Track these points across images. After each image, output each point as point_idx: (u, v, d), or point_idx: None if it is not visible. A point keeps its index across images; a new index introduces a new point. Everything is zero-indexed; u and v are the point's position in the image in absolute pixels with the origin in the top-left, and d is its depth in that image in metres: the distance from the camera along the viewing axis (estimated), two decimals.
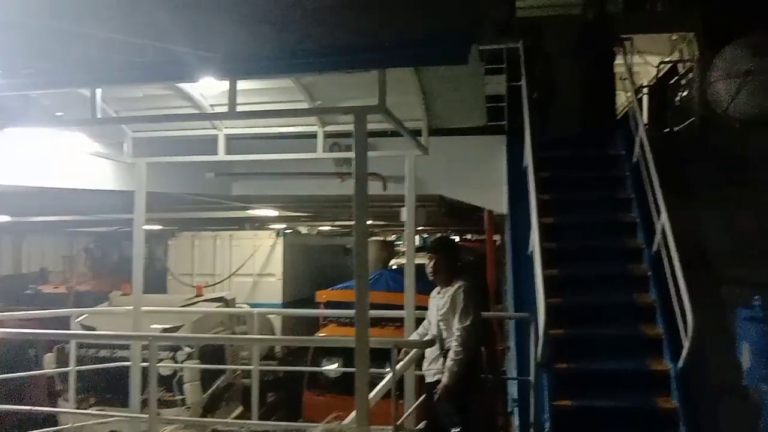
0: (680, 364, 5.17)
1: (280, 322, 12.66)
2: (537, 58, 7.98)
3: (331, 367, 9.45)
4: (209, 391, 9.14)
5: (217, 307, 10.27)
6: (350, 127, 6.28)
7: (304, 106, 5.76)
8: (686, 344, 5.01)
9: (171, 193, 8.49)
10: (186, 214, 12.48)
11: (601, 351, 5.62)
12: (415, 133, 5.64)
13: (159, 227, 14.93)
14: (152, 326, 7.71)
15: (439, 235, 15.95)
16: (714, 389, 5.25)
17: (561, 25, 8.89)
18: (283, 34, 4.24)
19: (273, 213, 13.00)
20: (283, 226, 15.58)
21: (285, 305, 13.03)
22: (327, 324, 10.84)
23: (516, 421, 5.31)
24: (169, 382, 8.66)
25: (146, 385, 5.46)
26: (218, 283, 13.15)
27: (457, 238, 19.31)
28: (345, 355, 9.66)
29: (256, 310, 7.48)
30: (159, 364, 7.31)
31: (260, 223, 15.10)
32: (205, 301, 10.57)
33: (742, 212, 6.63)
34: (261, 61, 4.41)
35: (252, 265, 13.37)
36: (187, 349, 8.73)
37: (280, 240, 13.71)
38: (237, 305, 11.05)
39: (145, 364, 5.78)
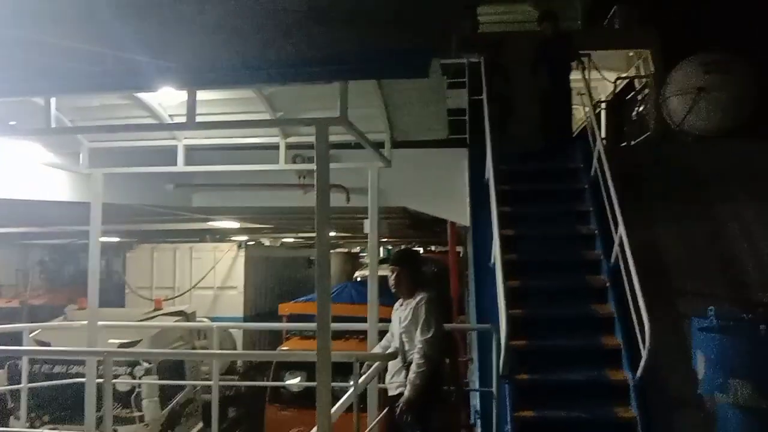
0: (638, 374, 5.25)
1: (242, 337, 12.49)
2: (498, 72, 8.11)
3: (293, 381, 9.34)
4: (168, 408, 8.93)
5: (176, 321, 10.07)
6: (313, 139, 6.29)
7: (266, 117, 5.72)
8: (644, 355, 5.10)
9: (129, 205, 8.32)
10: (145, 226, 12.23)
11: (562, 362, 5.68)
12: (378, 146, 5.65)
13: (117, 239, 14.61)
14: (109, 341, 7.51)
15: (402, 246, 15.99)
16: (671, 399, 5.35)
17: (520, 40, 9.07)
18: (244, 44, 4.22)
19: (234, 225, 12.84)
20: (245, 238, 15.40)
21: (247, 319, 12.86)
22: (290, 338, 10.73)
23: None
24: (126, 399, 8.43)
25: (102, 401, 5.30)
26: (178, 296, 12.91)
27: (420, 250, 19.37)
28: (308, 368, 9.57)
29: (216, 324, 7.34)
30: (116, 380, 7.12)
31: (221, 235, 14.90)
32: (164, 315, 10.35)
33: (696, 224, 6.81)
34: (221, 71, 4.37)
35: (213, 278, 13.18)
36: (146, 365, 8.52)
37: (242, 252, 13.56)
38: (197, 319, 10.86)
39: (101, 380, 5.61)
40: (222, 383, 6.71)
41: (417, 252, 15.41)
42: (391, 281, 4.76)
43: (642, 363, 5.14)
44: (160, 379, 8.65)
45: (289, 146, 6.31)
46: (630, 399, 5.29)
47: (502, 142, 7.37)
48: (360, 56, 3.95)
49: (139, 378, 8.45)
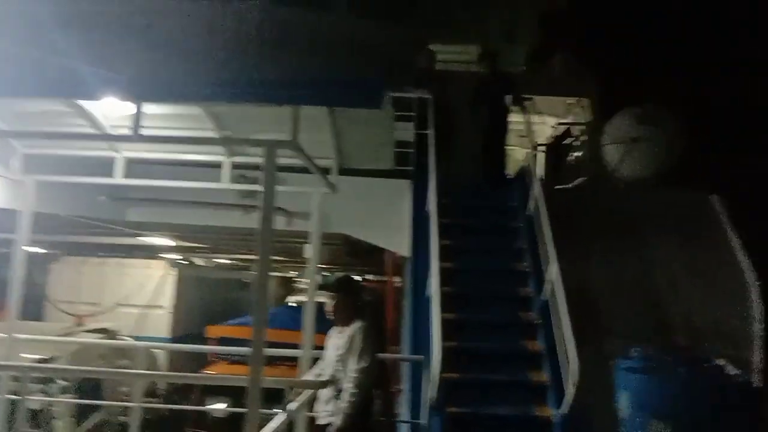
0: (562, 410, 5.38)
1: (167, 358, 12.07)
2: (443, 108, 8.30)
3: (220, 407, 9.09)
4: (82, 428, 8.51)
5: (99, 338, 9.66)
6: (258, 160, 6.24)
7: (212, 134, 5.65)
8: (568, 391, 5.24)
9: (59, 215, 8.00)
10: (73, 237, 11.75)
11: (492, 395, 5.75)
12: (324, 171, 5.67)
13: (42, 251, 13.94)
14: (21, 355, 7.11)
15: (341, 274, 15.91)
16: None
17: (464, 79, 9.33)
18: (196, 61, 4.18)
19: (169, 242, 12.51)
20: (178, 256, 15.00)
21: (174, 340, 12.46)
22: (216, 362, 10.46)
23: None
24: (38, 418, 7.99)
25: (14, 420, 5.01)
26: (102, 313, 12.39)
27: (357, 278, 19.33)
28: (233, 395, 9.33)
29: (142, 343, 7.09)
30: (29, 397, 6.73)
31: (153, 252, 14.46)
32: (86, 331, 9.92)
33: (623, 268, 7.08)
34: (170, 86, 4.30)
35: (140, 295, 12.73)
36: (62, 383, 8.10)
37: (174, 271, 13.19)
38: (121, 338, 10.45)
39: (14, 397, 5.31)
40: (143, 405, 6.46)
41: (357, 280, 15.36)
42: (330, 308, 4.74)
43: (565, 399, 5.28)
44: (76, 398, 8.25)
45: (233, 166, 6.25)
46: None
47: (445, 176, 7.52)
48: (315, 82, 3.98)
49: (55, 396, 8.02)
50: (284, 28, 4.85)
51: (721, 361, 5.18)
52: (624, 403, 4.41)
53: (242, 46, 4.31)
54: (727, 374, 4.71)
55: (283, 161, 4.95)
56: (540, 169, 10.17)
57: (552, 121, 11.02)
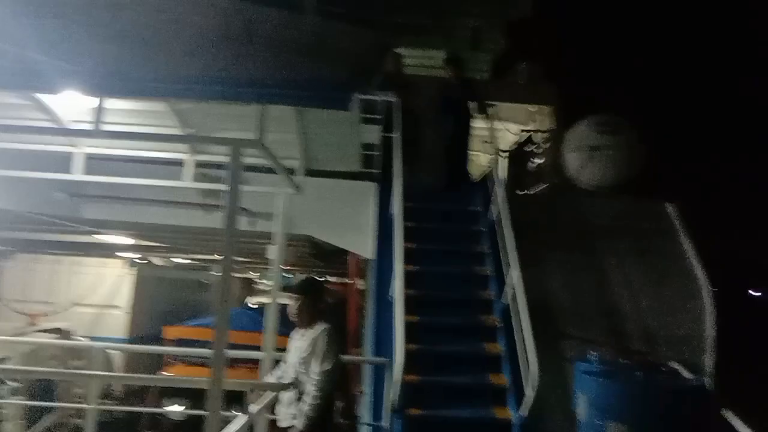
0: (521, 412, 5.46)
1: (123, 360, 11.81)
2: (409, 112, 8.34)
3: (179, 409, 8.93)
4: (33, 431, 8.25)
5: (52, 338, 9.39)
6: (222, 158, 6.17)
7: (175, 131, 5.57)
8: (528, 394, 5.32)
9: (12, 211, 7.75)
10: (26, 234, 11.39)
11: (453, 398, 5.80)
12: (289, 172, 5.63)
13: None
14: None
15: (304, 276, 15.80)
16: None
17: (429, 84, 9.40)
18: (163, 57, 4.12)
19: (127, 241, 12.23)
20: (135, 255, 14.68)
21: (131, 341, 12.19)
22: (174, 364, 10.27)
23: None
24: None
25: None
26: (56, 312, 12.05)
27: (320, 280, 19.21)
28: (191, 397, 9.19)
29: (99, 343, 6.91)
30: None
31: (110, 251, 14.11)
32: (38, 331, 9.62)
33: (581, 273, 7.22)
34: (135, 81, 4.23)
35: (96, 295, 12.42)
36: (13, 384, 7.85)
37: (131, 270, 12.91)
38: (75, 338, 10.17)
39: None
40: (99, 407, 6.31)
41: (320, 282, 15.28)
42: (293, 310, 4.70)
43: (525, 402, 5.37)
44: (27, 400, 8.00)
45: (195, 164, 6.17)
46: None
47: (409, 180, 7.55)
48: (284, 82, 3.98)
49: (4, 398, 7.76)
50: (252, 27, 4.83)
51: (675, 365, 5.34)
52: (581, 406, 4.49)
53: (210, 42, 4.27)
54: (681, 378, 4.85)
55: (247, 161, 4.91)
56: (502, 175, 10.30)
57: (514, 128, 11.17)
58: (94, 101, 4.33)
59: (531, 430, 5.52)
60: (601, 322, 6.68)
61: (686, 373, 5.10)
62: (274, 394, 4.86)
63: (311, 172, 6.09)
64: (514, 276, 6.13)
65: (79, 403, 8.57)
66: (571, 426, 5.13)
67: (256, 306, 15.63)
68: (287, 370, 4.76)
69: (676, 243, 7.57)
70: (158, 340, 11.23)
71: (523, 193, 10.25)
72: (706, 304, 6.85)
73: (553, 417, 5.71)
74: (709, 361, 6.37)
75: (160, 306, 13.86)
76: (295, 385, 4.55)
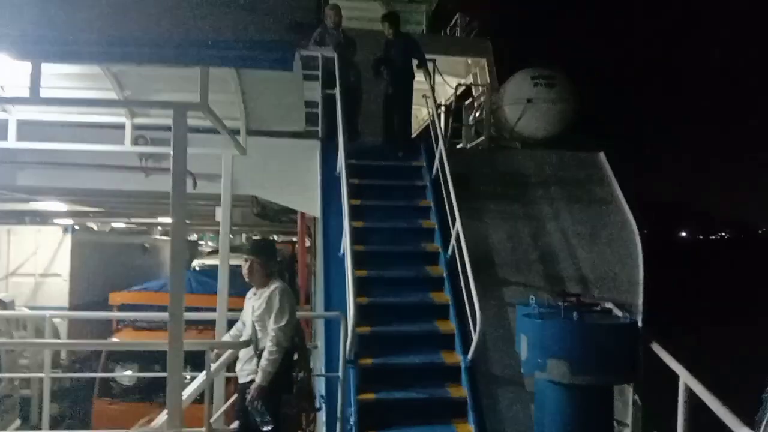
0: (469, 357, 5.77)
1: (66, 328, 11.60)
2: (349, 68, 8.34)
3: (134, 374, 8.93)
4: None
5: None
6: (160, 121, 6.06)
7: (111, 94, 5.44)
8: (474, 339, 5.62)
9: None
10: None
11: (403, 346, 6.07)
12: (233, 133, 5.61)
13: None
14: None
15: (257, 237, 15.76)
16: (497, 378, 5.95)
17: (370, 39, 9.38)
18: (98, 18, 4.01)
19: (61, 207, 11.88)
20: (71, 221, 14.27)
21: (73, 309, 11.97)
22: (121, 329, 10.19)
23: (323, 416, 5.51)
24: None
25: None
26: None
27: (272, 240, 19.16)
28: (141, 360, 9.17)
29: (48, 313, 6.79)
30: None
31: (43, 218, 13.67)
32: None
33: (519, 223, 7.54)
34: (70, 45, 4.11)
35: (34, 264, 12.08)
36: None
37: (68, 237, 12.57)
38: (17, 309, 9.92)
39: None
40: (55, 375, 6.27)
41: (272, 242, 15.27)
42: (246, 270, 4.78)
43: (473, 346, 5.67)
44: None
45: (133, 127, 6.05)
46: (462, 379, 5.80)
47: (353, 137, 7.62)
48: (224, 43, 3.95)
49: None
50: None
51: (608, 305, 5.72)
52: (523, 346, 4.79)
53: (148, 4, 4.18)
54: (614, 316, 5.22)
55: (189, 122, 4.87)
56: (442, 129, 10.47)
57: (453, 81, 11.31)
58: (21, 65, 4.19)
59: (478, 372, 5.86)
60: (539, 268, 7.04)
61: (618, 312, 5.48)
62: (231, 352, 4.97)
63: (254, 132, 6.07)
64: (457, 227, 6.36)
65: (25, 373, 8.44)
66: (515, 365, 5.47)
67: (199, 268, 15.55)
68: (244, 329, 4.86)
69: (608, 190, 7.97)
70: (103, 306, 11.07)
71: (461, 146, 10.47)
72: (636, 247, 7.30)
73: (498, 358, 6.06)
74: (638, 300, 6.85)
75: (103, 272, 13.58)
76: (253, 342, 4.66)
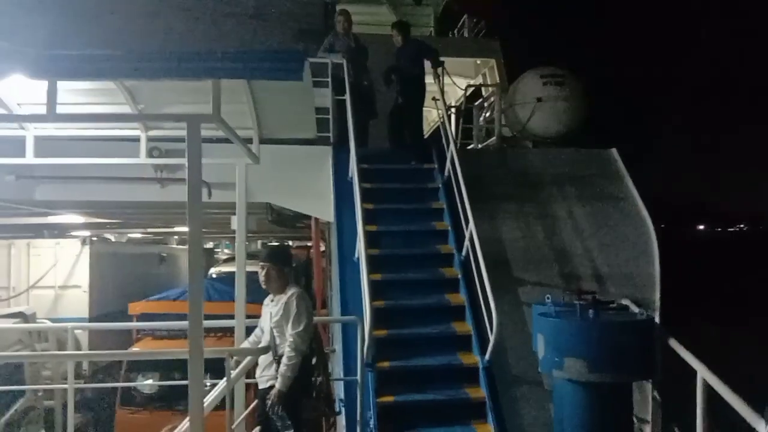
0: (487, 357, 5.79)
1: (86, 338, 11.74)
2: (363, 73, 8.40)
3: (155, 383, 9.04)
4: (5, 417, 8.23)
5: (14, 323, 9.27)
6: (173, 132, 6.15)
7: (126, 108, 5.52)
8: (491, 339, 5.64)
9: None
10: None
11: (420, 349, 6.10)
12: (246, 141, 5.68)
13: None
14: None
15: (273, 243, 15.87)
16: (515, 378, 5.97)
17: (381, 44, 9.44)
18: (112, 36, 4.09)
19: (78, 219, 12.03)
20: (88, 233, 14.44)
21: (93, 320, 12.11)
22: (141, 338, 10.30)
23: (343, 420, 5.55)
24: None
25: None
26: (15, 296, 11.85)
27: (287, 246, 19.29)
28: (161, 369, 9.28)
29: (71, 324, 6.90)
30: None
31: (61, 231, 13.85)
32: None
33: (533, 222, 7.55)
34: (85, 62, 4.19)
35: (54, 276, 12.25)
36: None
37: (86, 249, 12.73)
38: (38, 321, 10.06)
39: None
40: (79, 386, 6.37)
41: (287, 248, 15.35)
42: (262, 277, 4.84)
43: (490, 347, 5.69)
44: None
45: (147, 139, 6.14)
46: (480, 380, 5.82)
47: (365, 141, 7.67)
48: (234, 56, 4.00)
49: None
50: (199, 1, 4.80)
51: (624, 302, 5.72)
52: (540, 345, 4.80)
53: (159, 18, 4.24)
54: (630, 313, 5.22)
55: (202, 132, 4.94)
56: (453, 131, 10.50)
57: (462, 82, 11.33)
58: (42, 83, 4.28)
59: (496, 372, 5.87)
60: (554, 267, 7.05)
61: (634, 308, 5.47)
62: (250, 358, 5.03)
63: (266, 141, 6.14)
64: (470, 228, 6.39)
65: (48, 384, 8.57)
66: (532, 364, 5.48)
67: (216, 276, 15.65)
68: (263, 336, 4.92)
69: (622, 186, 7.96)
70: (124, 316, 11.20)
71: (472, 147, 10.48)
72: (651, 243, 7.28)
73: (515, 357, 6.08)
74: (655, 296, 6.83)
75: (121, 282, 13.74)
76: (272, 348, 4.72)
